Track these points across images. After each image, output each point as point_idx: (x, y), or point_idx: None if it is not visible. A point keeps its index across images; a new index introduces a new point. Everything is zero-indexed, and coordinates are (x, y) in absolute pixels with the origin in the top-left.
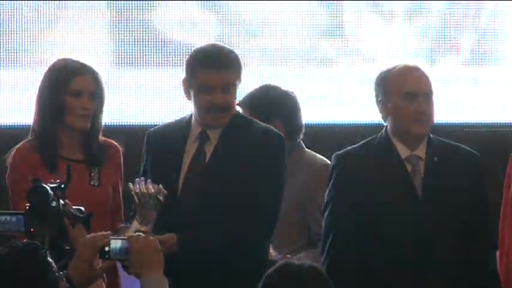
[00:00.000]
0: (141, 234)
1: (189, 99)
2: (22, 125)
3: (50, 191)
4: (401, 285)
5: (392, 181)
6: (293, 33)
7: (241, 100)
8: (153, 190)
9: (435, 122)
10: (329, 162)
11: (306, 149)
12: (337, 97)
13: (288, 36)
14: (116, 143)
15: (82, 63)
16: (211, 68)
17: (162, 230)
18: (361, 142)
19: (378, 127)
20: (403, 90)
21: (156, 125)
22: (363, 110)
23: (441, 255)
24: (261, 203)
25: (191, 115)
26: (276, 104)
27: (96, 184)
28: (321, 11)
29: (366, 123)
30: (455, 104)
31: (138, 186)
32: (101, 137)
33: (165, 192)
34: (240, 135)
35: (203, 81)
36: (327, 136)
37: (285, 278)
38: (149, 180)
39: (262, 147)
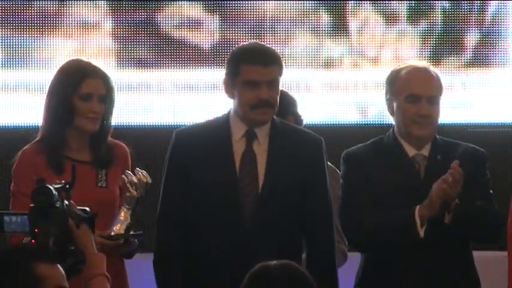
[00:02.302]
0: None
1: (232, 97)
2: (25, 126)
3: (54, 192)
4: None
5: (401, 179)
6: (296, 34)
7: None
8: (149, 179)
9: (440, 122)
10: (329, 163)
11: None
12: (339, 98)
13: (291, 38)
14: (124, 144)
15: (93, 66)
16: (257, 64)
17: (218, 229)
18: (369, 141)
19: (379, 128)
20: (407, 91)
21: (159, 126)
22: (364, 111)
23: (445, 250)
24: (325, 215)
25: (228, 114)
26: (285, 100)
27: (103, 185)
28: (324, 12)
29: (367, 124)
30: (459, 104)
31: (133, 176)
32: (110, 138)
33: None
34: (287, 138)
35: (248, 77)
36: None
37: (262, 279)
38: (138, 169)
39: (312, 154)
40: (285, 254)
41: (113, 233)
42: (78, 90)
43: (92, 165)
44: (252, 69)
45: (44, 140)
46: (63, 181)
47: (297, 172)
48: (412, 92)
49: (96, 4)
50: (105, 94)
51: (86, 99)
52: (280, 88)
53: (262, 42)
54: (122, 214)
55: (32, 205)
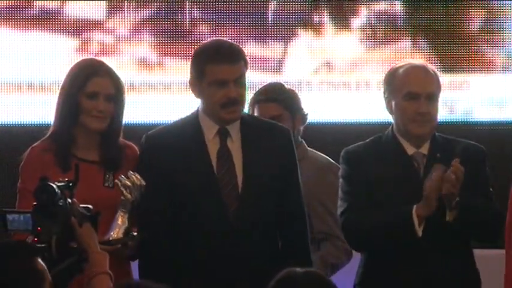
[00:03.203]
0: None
1: (199, 98)
2: (26, 123)
3: (57, 190)
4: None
5: (401, 178)
6: (298, 32)
7: (269, 96)
8: (143, 181)
9: (440, 120)
10: (331, 160)
11: (308, 148)
12: (340, 96)
13: (293, 36)
14: (133, 145)
15: (103, 65)
16: (222, 63)
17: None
18: (368, 139)
19: (383, 126)
20: (405, 89)
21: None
22: (361, 109)
23: (446, 249)
24: (300, 204)
25: (196, 114)
26: (295, 98)
27: (110, 185)
28: (324, 12)
29: (369, 122)
30: (460, 102)
31: (127, 180)
32: (121, 139)
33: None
34: (257, 131)
35: (215, 77)
36: (324, 135)
37: (287, 285)
38: (132, 173)
39: (283, 144)
40: (270, 251)
41: (110, 238)
42: (84, 88)
43: (100, 164)
44: (218, 69)
45: (53, 138)
46: (66, 179)
47: (272, 163)
48: (411, 89)
49: (97, 3)
50: (113, 94)
51: (92, 98)
52: (288, 87)
53: (224, 38)
54: (119, 218)
55: (34, 203)
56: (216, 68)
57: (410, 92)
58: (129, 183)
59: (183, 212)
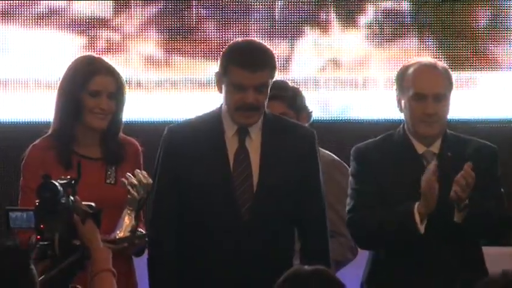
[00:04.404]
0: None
1: (220, 92)
2: (33, 121)
3: (59, 187)
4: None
5: (410, 176)
6: (305, 30)
7: (273, 94)
8: (150, 180)
9: (449, 118)
10: (337, 158)
11: None
12: (347, 95)
13: (300, 34)
14: (135, 141)
15: (104, 62)
16: (245, 69)
17: (216, 225)
18: (379, 137)
19: (384, 124)
20: (413, 90)
21: (167, 122)
22: (368, 107)
23: (455, 248)
24: (320, 206)
25: (219, 110)
26: (299, 96)
27: (112, 182)
28: (331, 10)
29: (372, 120)
30: (468, 100)
31: (133, 178)
32: (121, 135)
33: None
34: (280, 132)
35: (236, 80)
36: (331, 132)
37: (294, 281)
38: (138, 171)
39: (305, 146)
40: (282, 250)
41: (117, 237)
42: (87, 87)
43: (102, 161)
44: (240, 73)
45: (54, 135)
46: (68, 176)
47: (291, 168)
48: (418, 90)
49: (104, 1)
50: (115, 91)
51: (95, 96)
52: (292, 85)
53: (259, 40)
54: (126, 217)
55: (37, 201)
56: (238, 72)
57: (418, 92)
58: (135, 182)
59: (196, 208)
